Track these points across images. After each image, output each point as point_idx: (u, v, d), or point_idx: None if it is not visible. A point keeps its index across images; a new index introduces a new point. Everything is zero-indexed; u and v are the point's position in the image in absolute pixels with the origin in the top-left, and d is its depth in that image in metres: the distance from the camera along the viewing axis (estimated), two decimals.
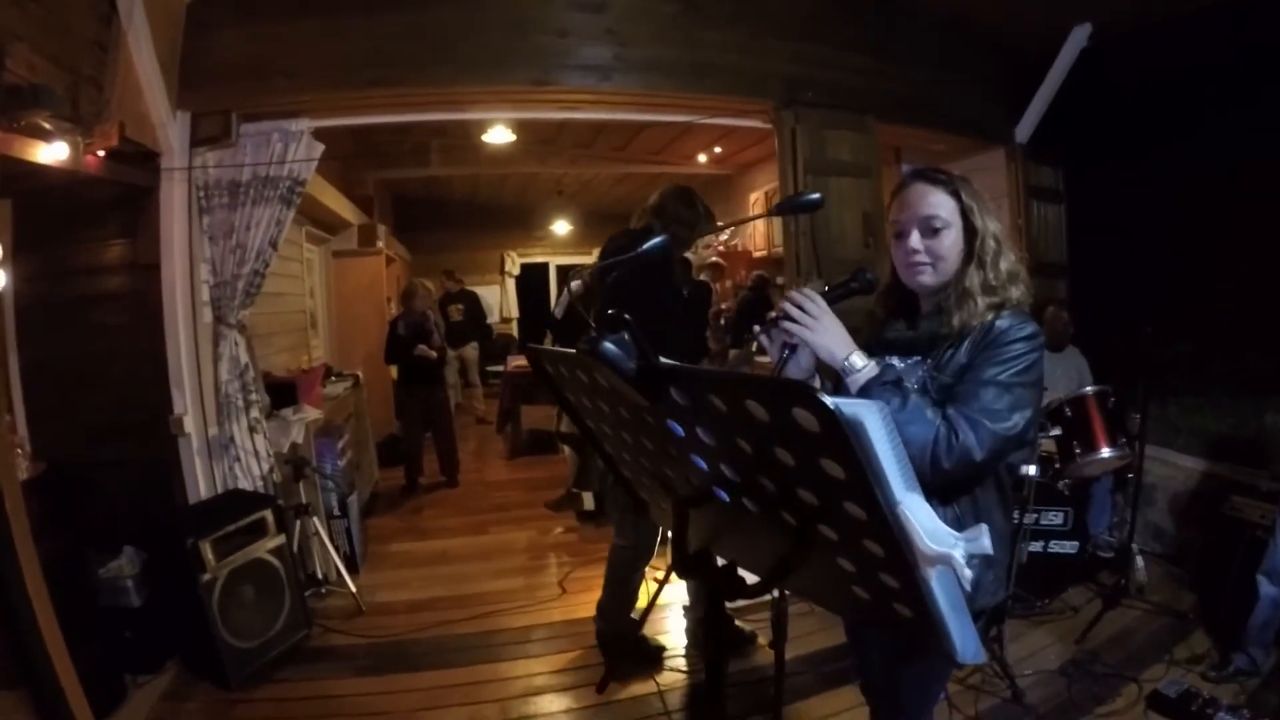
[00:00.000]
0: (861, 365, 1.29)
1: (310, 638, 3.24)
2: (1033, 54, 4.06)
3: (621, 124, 5.82)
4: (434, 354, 5.24)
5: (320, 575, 3.62)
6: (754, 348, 1.52)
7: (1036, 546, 3.31)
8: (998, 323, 1.31)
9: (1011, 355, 1.29)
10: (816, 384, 1.45)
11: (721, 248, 7.03)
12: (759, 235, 6.76)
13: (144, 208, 3.28)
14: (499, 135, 5.50)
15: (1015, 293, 1.36)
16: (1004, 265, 1.37)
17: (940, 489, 1.29)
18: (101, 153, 2.83)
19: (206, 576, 2.84)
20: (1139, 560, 3.40)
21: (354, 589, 3.55)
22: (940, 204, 1.38)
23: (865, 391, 1.26)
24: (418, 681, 2.92)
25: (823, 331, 1.30)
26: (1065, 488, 3.36)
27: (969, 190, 1.40)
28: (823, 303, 1.31)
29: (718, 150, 6.64)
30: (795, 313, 1.30)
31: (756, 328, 1.37)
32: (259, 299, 4.26)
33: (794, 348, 1.31)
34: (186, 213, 3.33)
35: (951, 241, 1.38)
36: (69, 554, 2.79)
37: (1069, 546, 3.34)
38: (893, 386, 1.26)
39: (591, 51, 3.45)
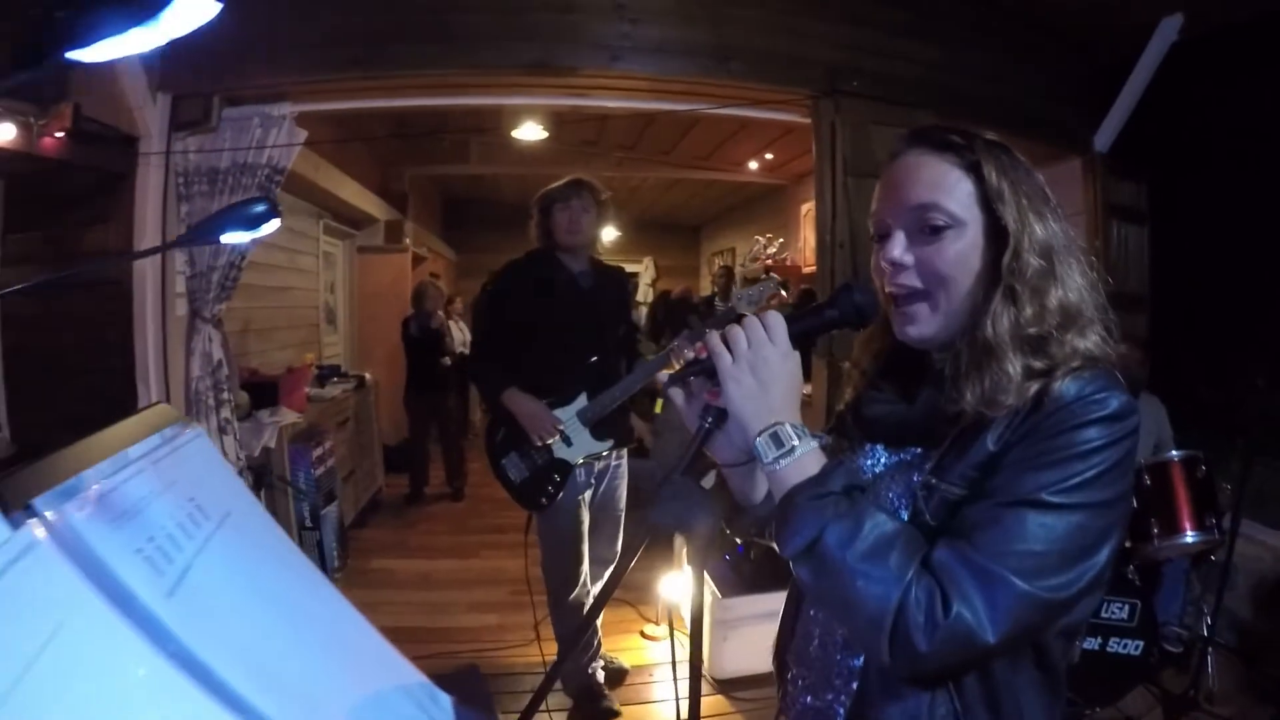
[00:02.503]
0: (788, 447, 0.80)
1: None
2: (1115, 49, 3.58)
3: (666, 125, 5.67)
4: (447, 362, 5.11)
5: None
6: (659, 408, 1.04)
7: (1092, 643, 2.78)
8: (1058, 388, 0.78)
9: (1078, 450, 0.75)
10: (761, 487, 0.97)
11: (769, 260, 6.66)
12: (809, 250, 6.37)
13: (119, 193, 3.24)
14: (529, 132, 5.36)
15: (1081, 342, 0.81)
16: (1055, 296, 0.82)
17: (916, 677, 0.80)
18: (60, 134, 2.78)
19: None
20: (1210, 661, 2.86)
21: None
22: (944, 183, 0.85)
23: (789, 502, 0.79)
24: None
25: (743, 381, 0.83)
26: (1133, 574, 2.85)
27: (1002, 162, 0.85)
28: (781, 334, 0.84)
29: (769, 157, 6.33)
30: (718, 348, 0.84)
31: (662, 377, 0.96)
32: (260, 292, 4.26)
33: (720, 415, 0.86)
34: (161, 200, 3.29)
35: (961, 251, 0.84)
36: None
37: (1132, 647, 2.77)
38: (837, 501, 0.77)
39: (598, 30, 3.19)
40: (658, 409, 4.10)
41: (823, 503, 0.77)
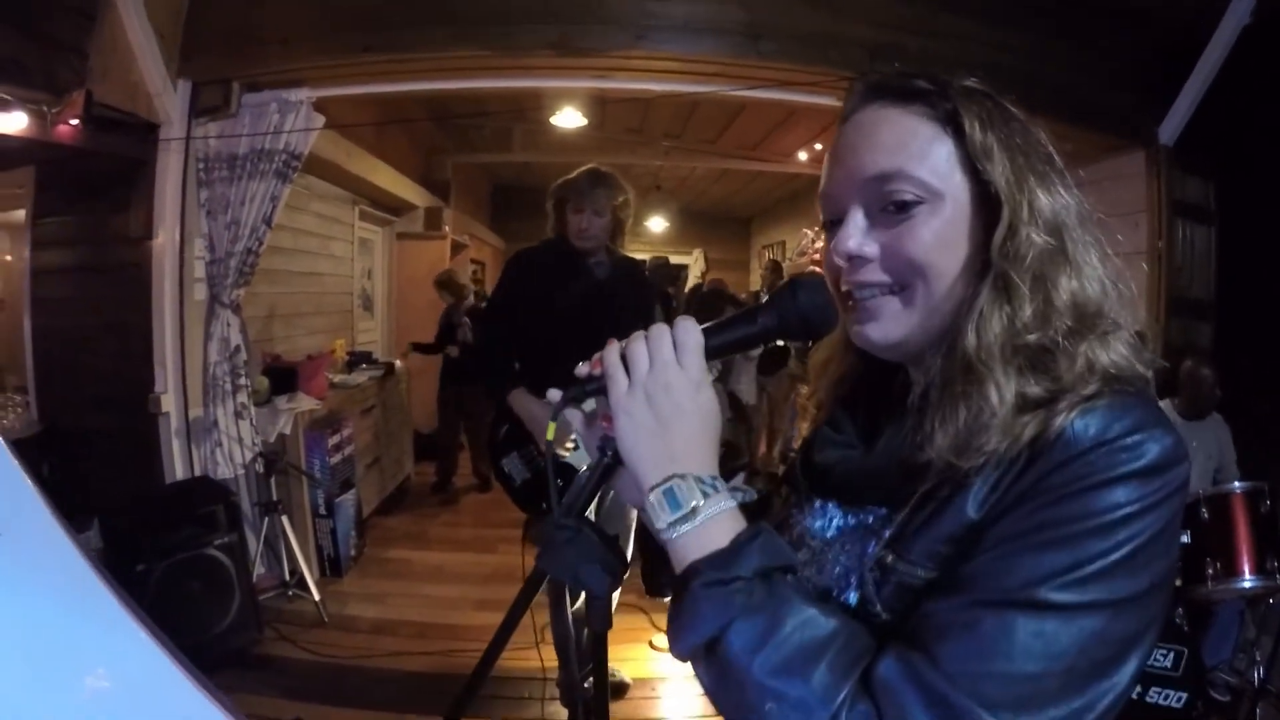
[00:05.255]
0: (687, 509, 0.60)
1: (260, 643, 3.13)
2: (1182, 31, 3.25)
3: (711, 113, 5.49)
4: (453, 352, 5.04)
5: (288, 577, 3.47)
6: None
7: (1131, 692, 2.49)
8: (1071, 426, 0.56)
9: (1099, 520, 0.53)
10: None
11: (817, 255, 6.38)
12: None
13: (141, 179, 3.27)
14: (569, 119, 5.23)
15: (1104, 355, 0.60)
16: (1067, 288, 0.61)
17: None
18: (74, 121, 2.78)
19: (141, 565, 2.77)
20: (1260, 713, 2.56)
21: (318, 597, 3.38)
22: (911, 143, 0.64)
23: (683, 586, 0.59)
24: (335, 718, 2.69)
25: (636, 415, 0.63)
26: (1182, 619, 2.55)
27: (988, 110, 0.65)
28: (692, 353, 0.64)
29: (818, 147, 6.05)
30: (613, 369, 0.65)
31: (553, 394, 0.71)
32: (287, 277, 4.25)
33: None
34: (180, 185, 3.31)
35: (939, 231, 0.63)
36: None
37: (1175, 699, 2.47)
38: (749, 589, 0.57)
39: (620, 7, 3.05)
40: None
41: (728, 589, 0.57)
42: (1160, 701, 2.48)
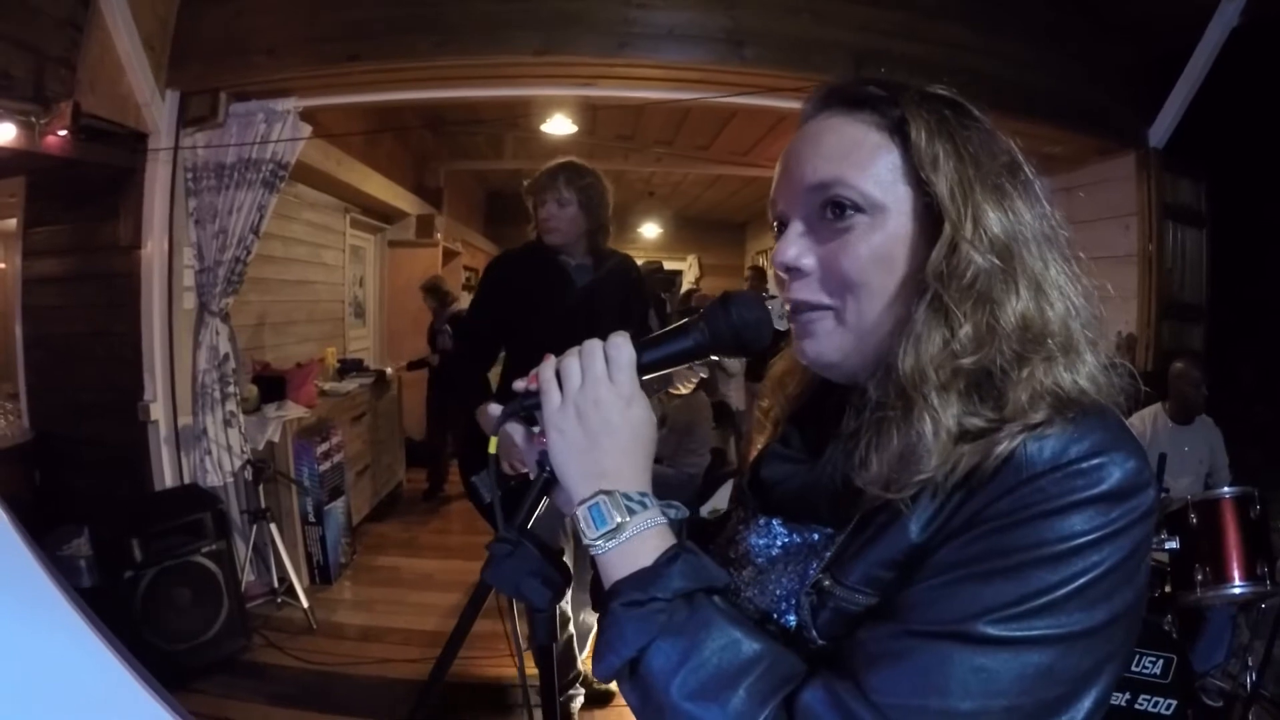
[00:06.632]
0: (612, 525, 0.60)
1: (248, 649, 3.15)
2: (1171, 34, 3.29)
3: (702, 119, 5.48)
4: (435, 359, 5.07)
5: (277, 584, 3.49)
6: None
7: (1119, 699, 2.47)
8: (1025, 447, 0.53)
9: (1050, 549, 0.50)
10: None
11: None
12: None
13: (130, 189, 3.30)
14: (559, 126, 5.24)
15: (1067, 376, 0.57)
16: (1014, 308, 0.58)
17: None
18: (62, 132, 2.81)
19: (129, 573, 2.81)
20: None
21: (306, 604, 3.39)
22: (855, 152, 0.63)
23: (605, 605, 0.59)
24: None
25: (566, 431, 0.64)
26: (1171, 626, 2.54)
27: (942, 119, 0.63)
28: (623, 369, 0.65)
29: None
30: (548, 384, 0.66)
31: (494, 409, 0.75)
32: (278, 285, 4.28)
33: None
34: (169, 195, 3.34)
35: (878, 247, 0.62)
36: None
37: (1164, 706, 2.44)
38: (671, 609, 0.57)
39: (603, 15, 3.06)
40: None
41: (645, 610, 0.56)
42: (1149, 709, 2.46)
